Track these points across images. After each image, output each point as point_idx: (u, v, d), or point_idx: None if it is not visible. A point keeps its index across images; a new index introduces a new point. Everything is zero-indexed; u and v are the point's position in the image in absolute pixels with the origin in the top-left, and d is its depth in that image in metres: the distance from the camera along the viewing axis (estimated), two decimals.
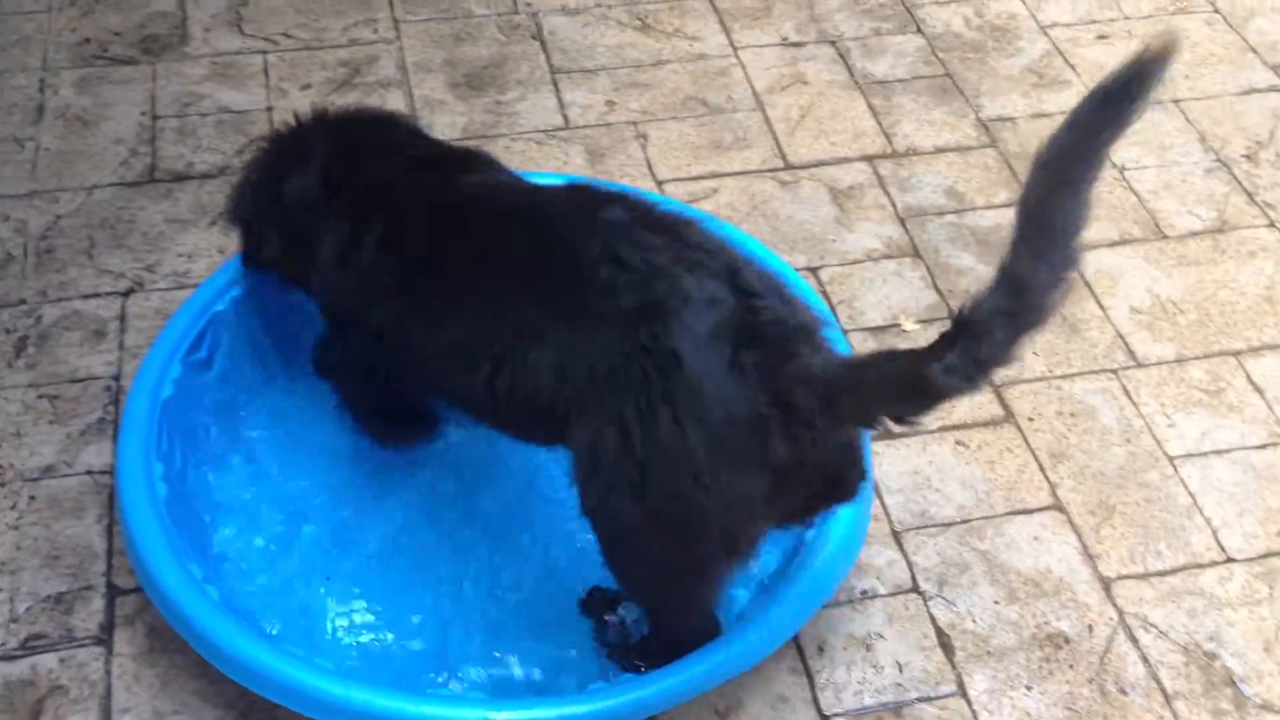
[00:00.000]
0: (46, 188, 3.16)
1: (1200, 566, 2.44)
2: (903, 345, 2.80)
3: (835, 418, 1.85)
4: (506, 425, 2.15)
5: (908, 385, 1.77)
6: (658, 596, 2.08)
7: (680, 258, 1.90)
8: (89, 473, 2.55)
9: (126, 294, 2.91)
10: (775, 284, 1.97)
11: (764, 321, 1.87)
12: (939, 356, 1.73)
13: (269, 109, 3.39)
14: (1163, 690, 2.26)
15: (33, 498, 2.51)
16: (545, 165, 3.24)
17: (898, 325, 2.88)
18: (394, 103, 3.42)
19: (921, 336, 2.85)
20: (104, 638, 2.31)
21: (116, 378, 2.72)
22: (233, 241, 2.98)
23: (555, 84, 3.49)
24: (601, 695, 2.02)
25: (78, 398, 2.69)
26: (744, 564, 2.02)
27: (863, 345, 2.81)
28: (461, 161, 2.28)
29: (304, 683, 2.00)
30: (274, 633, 2.20)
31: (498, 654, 2.20)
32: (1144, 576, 2.43)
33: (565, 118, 3.39)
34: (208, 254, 3.00)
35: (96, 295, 2.91)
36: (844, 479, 2.03)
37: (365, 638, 2.23)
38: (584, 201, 2.05)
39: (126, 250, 3.01)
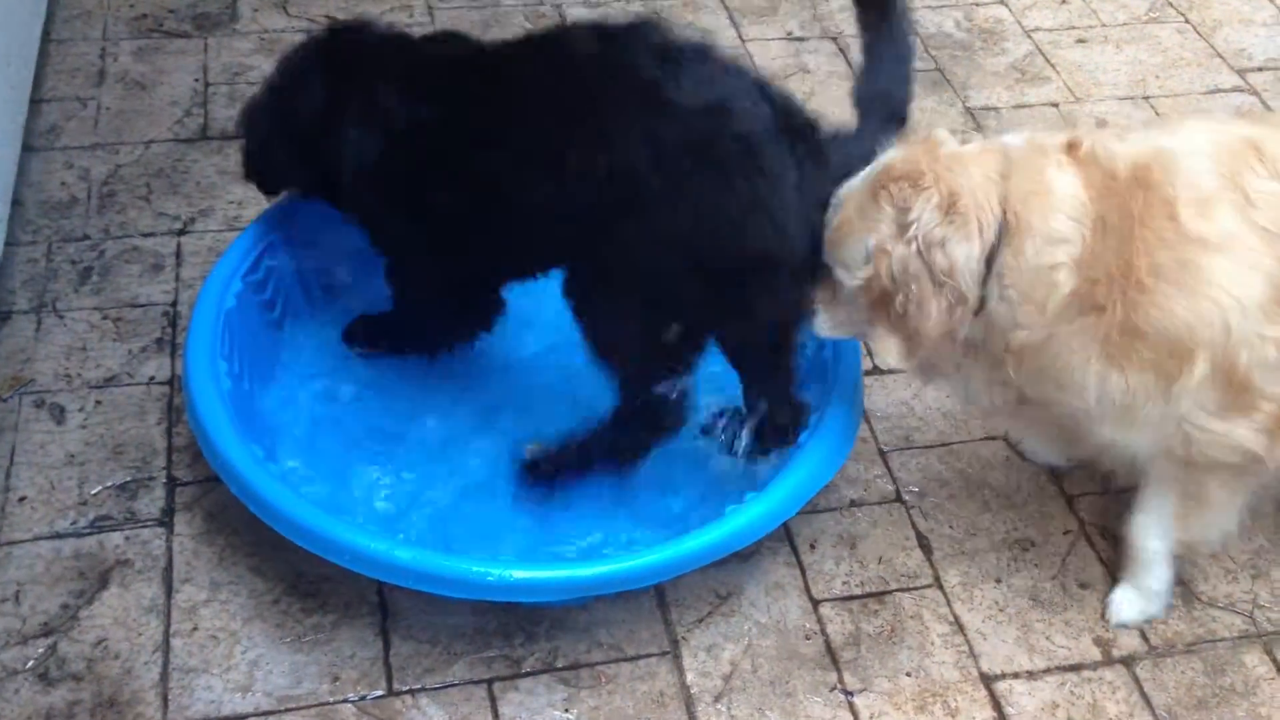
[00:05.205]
0: (107, 141, 3.43)
1: None
2: None
3: None
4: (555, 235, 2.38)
5: None
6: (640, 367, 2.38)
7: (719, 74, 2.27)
8: (151, 382, 2.81)
9: (181, 233, 3.18)
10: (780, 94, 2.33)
11: (796, 124, 2.26)
12: None
13: None
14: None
15: (99, 402, 2.76)
16: None
17: None
18: None
19: None
20: (165, 520, 2.55)
21: (174, 304, 2.99)
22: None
23: None
24: (614, 559, 2.27)
25: (138, 320, 2.95)
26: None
27: None
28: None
29: (352, 541, 2.25)
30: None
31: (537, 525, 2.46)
32: (1103, 493, 2.69)
33: None
34: (257, 202, 3.25)
35: (154, 234, 3.18)
36: None
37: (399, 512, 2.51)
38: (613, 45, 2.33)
39: (181, 196, 3.28)
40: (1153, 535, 2.40)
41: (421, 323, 2.67)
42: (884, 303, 2.16)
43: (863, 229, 2.17)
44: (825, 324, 2.34)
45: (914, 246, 2.10)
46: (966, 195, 2.10)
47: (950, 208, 2.09)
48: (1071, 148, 2.15)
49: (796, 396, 2.50)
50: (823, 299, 2.31)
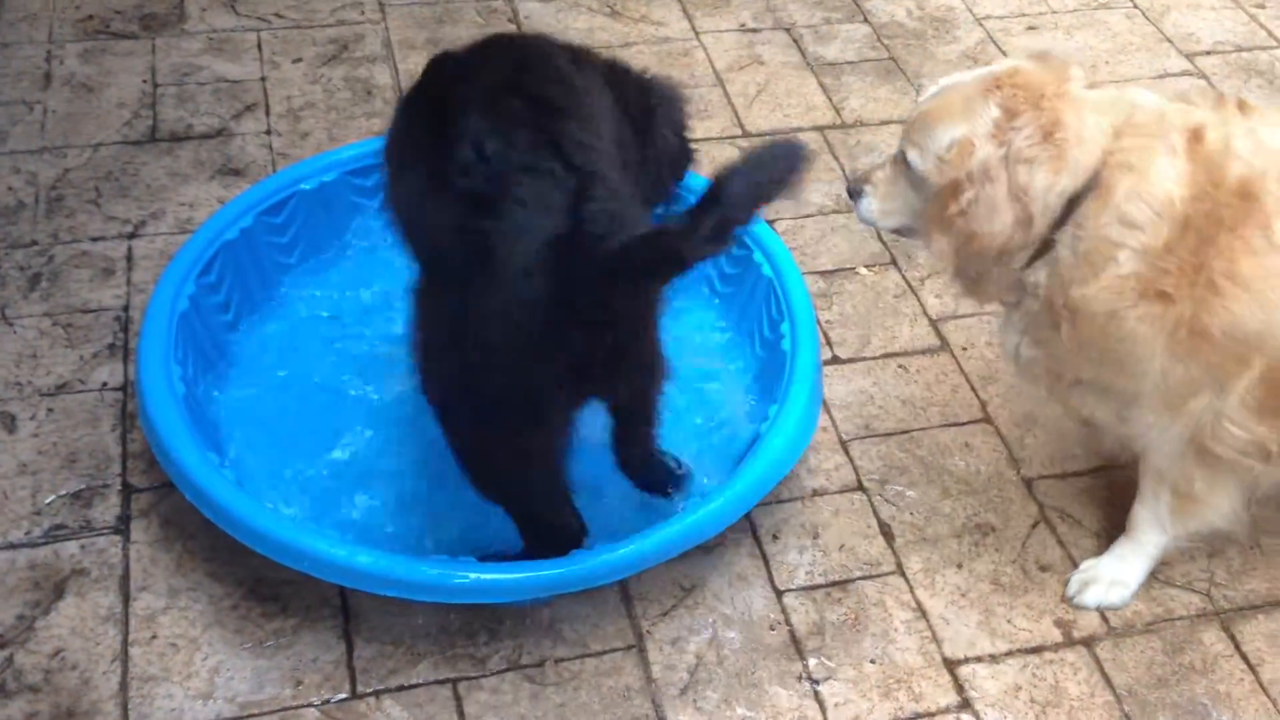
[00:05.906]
0: (55, 145, 3.39)
1: (1113, 468, 2.72)
2: (851, 287, 3.12)
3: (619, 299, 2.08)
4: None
5: (672, 260, 2.01)
6: (505, 493, 2.31)
7: (533, 164, 2.07)
8: (103, 388, 2.77)
9: (132, 237, 3.14)
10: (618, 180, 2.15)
11: (585, 230, 2.02)
12: (695, 229, 1.94)
13: (263, 79, 3.65)
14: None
15: (50, 410, 2.72)
16: None
17: (848, 269, 3.16)
18: (380, 76, 3.68)
19: (870, 279, 3.14)
20: (121, 528, 2.52)
21: (125, 309, 2.95)
22: (230, 190, 3.25)
23: None
24: (578, 557, 2.26)
25: (89, 326, 2.91)
26: (561, 440, 2.21)
27: (814, 286, 3.08)
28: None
29: (310, 546, 2.23)
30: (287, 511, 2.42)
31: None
32: (1062, 477, 2.71)
33: None
34: (208, 203, 3.23)
35: (104, 238, 3.14)
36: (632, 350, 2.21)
37: (359, 514, 2.49)
38: (497, 80, 2.22)
39: (131, 200, 3.24)
40: (1150, 527, 2.44)
41: None
42: (947, 196, 2.17)
43: (958, 117, 2.17)
44: (874, 208, 2.37)
45: (1003, 151, 2.12)
46: (1069, 132, 2.11)
47: (1048, 135, 2.11)
48: (1195, 138, 2.12)
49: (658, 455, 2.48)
50: (879, 181, 2.35)
